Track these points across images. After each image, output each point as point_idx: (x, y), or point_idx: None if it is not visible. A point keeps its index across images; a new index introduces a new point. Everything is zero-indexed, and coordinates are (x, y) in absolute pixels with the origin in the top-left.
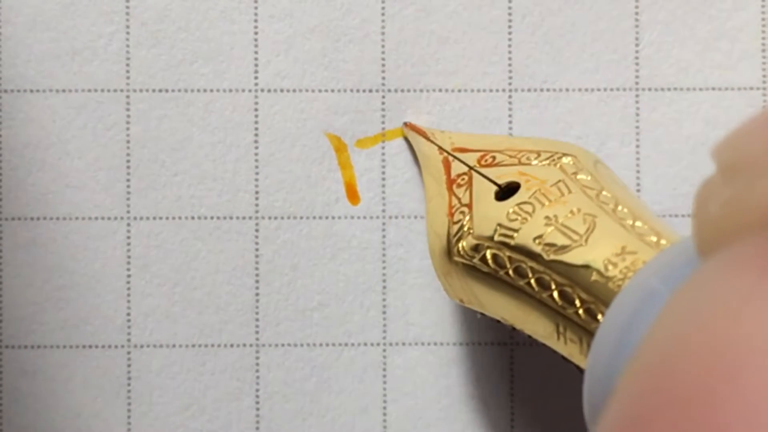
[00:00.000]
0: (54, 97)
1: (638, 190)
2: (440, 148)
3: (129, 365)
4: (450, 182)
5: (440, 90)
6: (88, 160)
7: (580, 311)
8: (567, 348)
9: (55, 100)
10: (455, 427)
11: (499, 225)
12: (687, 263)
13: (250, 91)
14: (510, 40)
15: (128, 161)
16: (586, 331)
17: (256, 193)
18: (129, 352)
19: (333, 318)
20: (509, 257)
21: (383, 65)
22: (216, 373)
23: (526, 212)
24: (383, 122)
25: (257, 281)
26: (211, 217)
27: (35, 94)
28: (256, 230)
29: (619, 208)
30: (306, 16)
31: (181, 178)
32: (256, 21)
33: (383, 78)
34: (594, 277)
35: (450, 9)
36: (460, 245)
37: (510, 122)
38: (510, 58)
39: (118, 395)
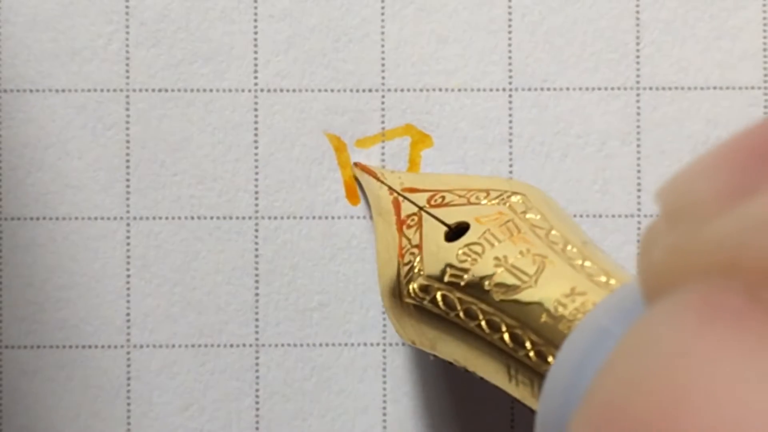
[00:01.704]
0: (54, 96)
1: (639, 190)
2: (390, 188)
3: (129, 365)
4: (400, 223)
5: (440, 89)
6: (87, 160)
7: (531, 353)
8: (519, 390)
9: (54, 100)
10: (455, 428)
11: (449, 266)
12: (637, 304)
13: (249, 91)
14: (510, 39)
15: (128, 161)
16: (536, 374)
17: (256, 193)
18: (129, 352)
19: (333, 318)
20: (459, 298)
21: (383, 65)
22: (216, 373)
23: (476, 253)
24: (383, 122)
25: (257, 281)
26: (211, 217)
27: (35, 94)
28: (256, 230)
29: (569, 247)
30: (306, 16)
31: (181, 178)
32: (255, 21)
33: (383, 78)
34: (544, 318)
35: (450, 8)
36: (410, 287)
37: (510, 122)
38: (510, 58)
39: (118, 395)
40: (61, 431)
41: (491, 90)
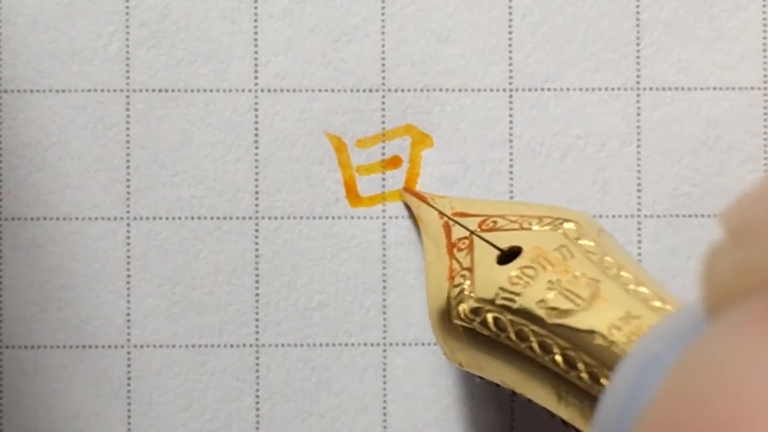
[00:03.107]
0: (54, 97)
1: (639, 190)
2: (440, 212)
3: (129, 365)
4: (450, 246)
5: (440, 89)
6: (88, 160)
7: (583, 375)
8: (568, 411)
9: (54, 100)
10: (455, 428)
11: (501, 288)
12: (691, 328)
13: (250, 91)
14: (510, 39)
15: (128, 161)
16: (588, 395)
17: (256, 193)
18: (129, 352)
19: (333, 318)
20: (510, 320)
21: (383, 65)
22: (216, 373)
23: (529, 276)
24: (383, 122)
25: (257, 281)
26: (211, 218)
27: (35, 94)
28: (256, 230)
29: (622, 273)
30: (306, 16)
31: (181, 178)
32: (256, 21)
33: (383, 78)
34: (598, 341)
35: (450, 8)
36: (460, 308)
37: (510, 122)
38: (510, 58)
39: (118, 395)
40: (61, 431)
41: (491, 90)
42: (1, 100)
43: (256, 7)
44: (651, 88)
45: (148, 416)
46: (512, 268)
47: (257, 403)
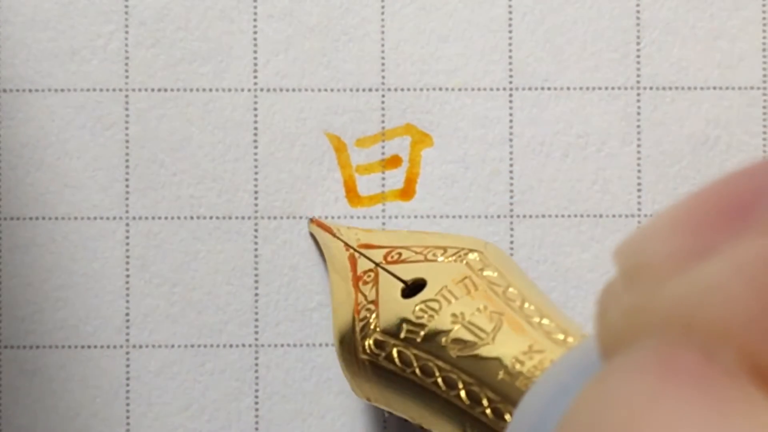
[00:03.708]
0: (53, 96)
1: (639, 190)
2: (346, 244)
3: (128, 365)
4: (356, 279)
5: (440, 89)
6: (86, 159)
7: (488, 411)
8: None
9: (53, 100)
10: None
11: (406, 321)
12: (595, 361)
13: (249, 90)
14: (510, 38)
15: (127, 161)
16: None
17: (256, 192)
18: (128, 352)
19: None
20: (415, 355)
21: (383, 64)
22: (215, 373)
23: (433, 309)
24: (383, 121)
25: (256, 281)
26: (211, 217)
27: (34, 93)
28: (256, 230)
29: (526, 305)
30: (305, 16)
31: (180, 177)
32: (255, 20)
33: (383, 77)
34: (501, 375)
35: (450, 7)
36: (366, 342)
37: (510, 121)
38: (510, 57)
39: (117, 395)
40: (60, 431)
41: (491, 89)
42: (1, 100)
43: (255, 7)
44: (651, 88)
45: (147, 416)
46: (416, 302)
47: (256, 403)
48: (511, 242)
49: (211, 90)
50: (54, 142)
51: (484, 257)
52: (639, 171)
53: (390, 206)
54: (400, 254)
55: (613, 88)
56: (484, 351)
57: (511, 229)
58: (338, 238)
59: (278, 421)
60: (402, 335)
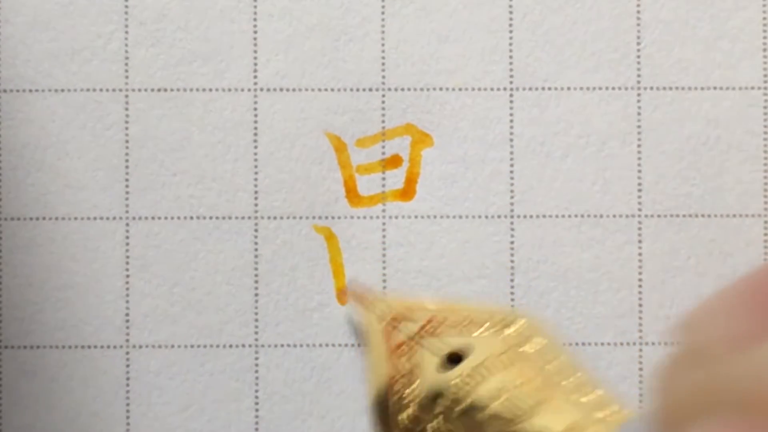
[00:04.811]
0: (53, 96)
1: (639, 190)
2: (380, 318)
3: (128, 365)
4: (391, 351)
5: (440, 89)
6: (87, 160)
7: None
8: None
9: (54, 100)
10: None
11: (442, 396)
12: None
13: (249, 90)
14: (511, 38)
15: (127, 161)
16: None
17: (255, 192)
18: (128, 353)
19: (333, 318)
20: (450, 431)
21: (383, 64)
22: (215, 373)
23: (470, 384)
24: (383, 121)
25: (256, 281)
26: (210, 217)
27: (34, 93)
28: (255, 230)
29: (565, 382)
30: (305, 15)
31: (180, 177)
32: (255, 20)
33: (383, 77)
34: None
35: (450, 7)
36: (400, 417)
37: (511, 121)
38: (511, 57)
39: (117, 395)
40: (60, 431)
41: (492, 89)
42: (1, 100)
43: (255, 6)
44: (651, 88)
45: (147, 416)
46: (454, 376)
47: (256, 403)
48: (512, 242)
49: (210, 90)
50: (54, 142)
51: (523, 331)
52: (639, 171)
53: (390, 206)
54: (436, 327)
55: (613, 88)
56: (524, 428)
57: (511, 229)
58: (372, 312)
59: (278, 422)
60: (438, 410)
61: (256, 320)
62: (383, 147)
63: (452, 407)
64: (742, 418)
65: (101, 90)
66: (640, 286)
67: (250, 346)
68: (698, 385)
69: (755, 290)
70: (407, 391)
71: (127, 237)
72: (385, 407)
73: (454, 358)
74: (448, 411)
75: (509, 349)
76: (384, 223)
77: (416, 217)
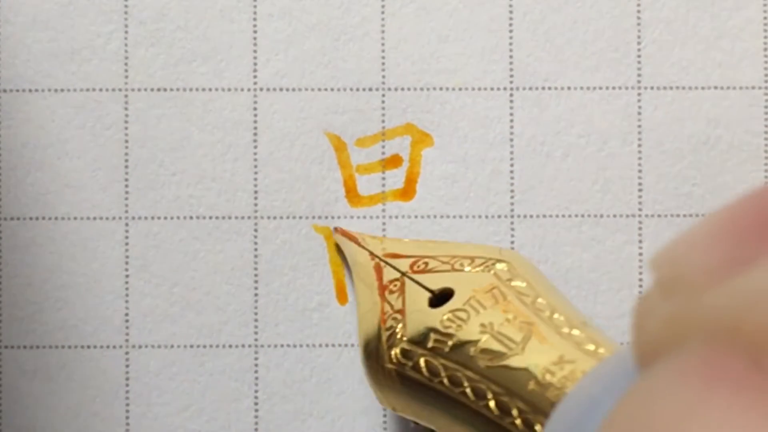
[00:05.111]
0: (52, 96)
1: (639, 190)
2: (371, 253)
3: (127, 365)
4: (382, 288)
5: (441, 88)
6: (86, 159)
7: (518, 421)
8: None
9: (53, 100)
10: None
11: (433, 331)
12: (627, 374)
13: (249, 90)
14: (511, 38)
15: (126, 161)
16: None
17: (255, 192)
18: (127, 353)
19: (333, 318)
20: (443, 365)
21: (383, 64)
22: (215, 373)
23: (461, 319)
24: (383, 121)
25: (256, 281)
26: (210, 217)
27: (34, 93)
28: (255, 230)
29: (555, 315)
30: (305, 15)
31: (180, 177)
32: (255, 19)
33: (383, 76)
34: (531, 385)
35: (450, 7)
36: (392, 352)
37: (511, 121)
38: (511, 56)
39: (117, 395)
40: (60, 431)
41: (492, 89)
42: (1, 100)
43: (255, 6)
44: (652, 87)
45: (146, 417)
46: (444, 311)
47: (256, 404)
48: (512, 242)
49: (210, 90)
50: (54, 142)
51: (512, 267)
52: (639, 171)
53: (390, 206)
54: (426, 263)
55: (613, 88)
56: (514, 361)
57: (512, 229)
58: (363, 247)
59: (278, 422)
60: (429, 345)
61: (256, 320)
62: (383, 147)
63: (443, 342)
64: (724, 348)
65: (101, 90)
66: (640, 286)
67: (249, 346)
68: (674, 317)
69: (737, 217)
70: (398, 327)
71: (127, 237)
72: (376, 344)
73: (444, 295)
74: (439, 346)
75: (498, 285)
76: (384, 223)
77: (416, 217)
